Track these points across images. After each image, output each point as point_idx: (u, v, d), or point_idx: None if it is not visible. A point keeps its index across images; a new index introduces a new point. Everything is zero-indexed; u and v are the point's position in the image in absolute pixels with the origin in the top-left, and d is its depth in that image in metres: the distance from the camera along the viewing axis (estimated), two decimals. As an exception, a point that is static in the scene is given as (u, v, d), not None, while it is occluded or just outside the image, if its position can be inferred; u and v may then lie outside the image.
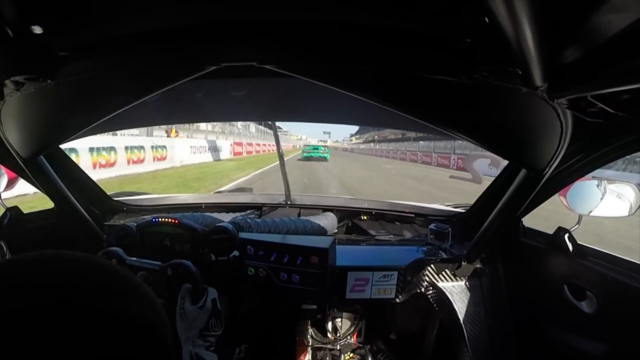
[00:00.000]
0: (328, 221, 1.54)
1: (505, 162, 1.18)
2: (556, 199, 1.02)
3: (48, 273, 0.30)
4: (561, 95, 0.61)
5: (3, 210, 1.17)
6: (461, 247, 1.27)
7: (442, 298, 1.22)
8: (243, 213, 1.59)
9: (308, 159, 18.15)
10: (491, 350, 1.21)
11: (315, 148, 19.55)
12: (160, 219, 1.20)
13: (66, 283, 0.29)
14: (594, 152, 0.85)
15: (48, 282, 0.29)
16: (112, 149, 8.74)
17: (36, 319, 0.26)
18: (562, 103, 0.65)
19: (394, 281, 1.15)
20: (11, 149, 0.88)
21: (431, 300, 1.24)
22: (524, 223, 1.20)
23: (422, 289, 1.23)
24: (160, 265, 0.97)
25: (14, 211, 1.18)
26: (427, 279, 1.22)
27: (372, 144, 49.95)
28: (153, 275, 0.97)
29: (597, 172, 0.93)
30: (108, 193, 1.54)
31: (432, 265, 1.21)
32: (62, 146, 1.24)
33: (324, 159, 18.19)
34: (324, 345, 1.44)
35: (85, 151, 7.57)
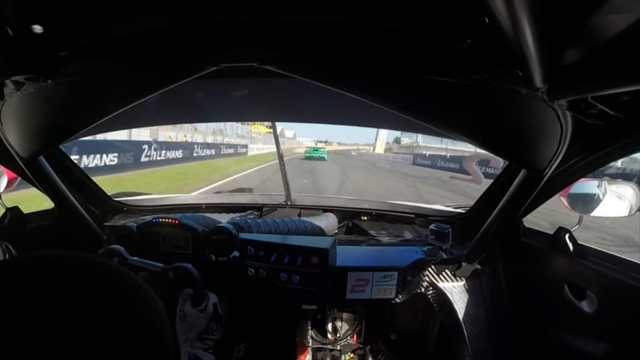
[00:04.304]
0: (328, 222, 1.54)
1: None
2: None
3: (50, 272, 0.30)
4: (561, 96, 0.61)
5: (3, 210, 1.17)
6: (461, 248, 1.27)
7: (442, 298, 1.22)
8: (243, 213, 1.59)
9: (309, 158, 21.21)
10: (491, 350, 1.21)
11: (316, 150, 23.35)
12: (160, 220, 1.20)
13: (68, 282, 0.30)
14: (594, 153, 0.85)
15: (49, 282, 0.29)
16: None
17: (38, 318, 0.26)
18: (562, 104, 0.65)
19: (394, 281, 1.15)
20: (11, 149, 0.88)
21: (431, 300, 1.24)
22: (524, 223, 1.20)
23: (422, 289, 1.23)
24: (162, 267, 0.97)
25: (14, 211, 1.18)
26: (427, 279, 1.22)
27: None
28: (154, 276, 0.97)
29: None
30: (108, 193, 1.54)
31: (432, 266, 1.21)
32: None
33: (323, 158, 21.37)
34: (324, 346, 1.44)
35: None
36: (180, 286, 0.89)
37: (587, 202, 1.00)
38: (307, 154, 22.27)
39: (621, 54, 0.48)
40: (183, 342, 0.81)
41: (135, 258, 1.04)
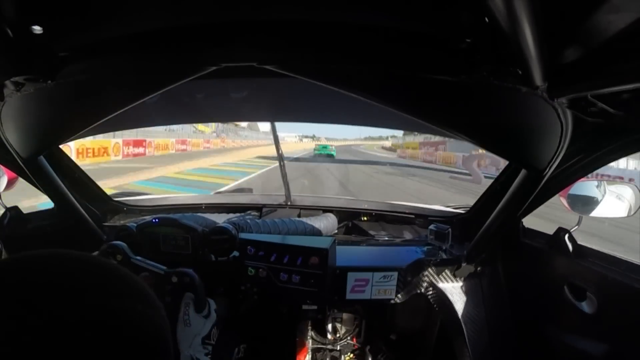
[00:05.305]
0: (328, 222, 1.54)
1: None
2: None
3: (49, 272, 0.30)
4: (561, 94, 0.61)
5: (3, 210, 1.17)
6: (461, 248, 1.27)
7: (442, 298, 1.22)
8: (243, 214, 1.59)
9: (318, 155, 22.14)
10: (491, 351, 1.21)
11: (325, 147, 23.92)
12: (160, 220, 1.20)
13: (67, 281, 0.29)
14: (594, 152, 0.85)
15: (49, 281, 0.29)
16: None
17: (38, 317, 0.26)
18: (562, 103, 0.65)
19: (394, 282, 1.15)
20: (11, 149, 0.88)
21: (431, 300, 1.24)
22: (524, 223, 1.20)
23: (422, 290, 1.23)
24: (165, 271, 0.97)
25: (14, 211, 1.17)
26: (427, 279, 1.22)
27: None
28: (156, 278, 0.98)
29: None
30: (108, 193, 1.54)
31: (432, 266, 1.21)
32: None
33: (332, 156, 21.87)
34: (324, 346, 1.44)
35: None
36: (182, 291, 0.91)
37: (587, 202, 1.00)
38: (316, 151, 23.44)
39: (621, 52, 0.48)
40: (186, 347, 0.83)
41: (138, 258, 1.04)
